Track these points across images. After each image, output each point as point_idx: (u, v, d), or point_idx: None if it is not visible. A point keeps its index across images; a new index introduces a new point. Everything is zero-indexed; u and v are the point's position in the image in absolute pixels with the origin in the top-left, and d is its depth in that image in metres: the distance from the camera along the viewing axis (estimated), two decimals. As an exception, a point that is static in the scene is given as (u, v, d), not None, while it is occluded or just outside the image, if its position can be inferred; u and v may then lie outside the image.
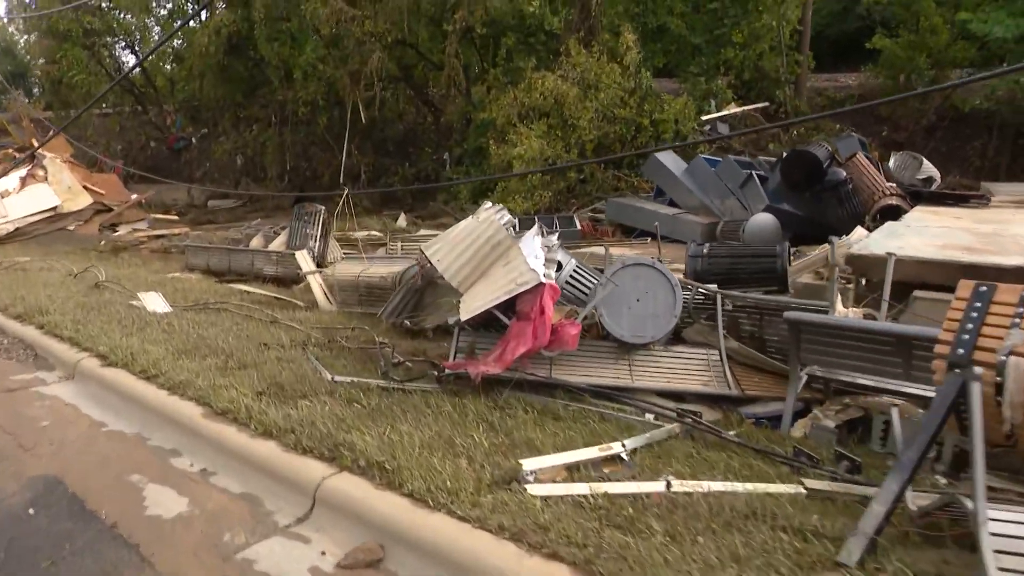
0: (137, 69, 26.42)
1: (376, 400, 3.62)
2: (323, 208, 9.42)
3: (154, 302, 6.46)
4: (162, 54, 24.21)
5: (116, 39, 25.67)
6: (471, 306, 3.80)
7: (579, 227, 11.71)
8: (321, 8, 17.58)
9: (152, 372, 4.24)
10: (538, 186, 15.01)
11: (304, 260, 7.24)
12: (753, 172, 11.07)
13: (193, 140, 23.99)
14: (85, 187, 14.79)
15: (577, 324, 3.79)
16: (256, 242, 9.33)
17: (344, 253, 10.63)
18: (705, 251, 6.97)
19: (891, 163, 11.40)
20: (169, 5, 26.20)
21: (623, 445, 3.06)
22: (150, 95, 25.49)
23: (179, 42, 25.00)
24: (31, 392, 4.57)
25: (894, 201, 9.59)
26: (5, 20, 29.22)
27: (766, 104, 19.17)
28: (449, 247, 4.07)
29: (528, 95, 15.98)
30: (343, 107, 19.99)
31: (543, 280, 3.70)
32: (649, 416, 3.64)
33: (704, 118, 17.73)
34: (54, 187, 14.03)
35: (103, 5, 25.03)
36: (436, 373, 3.90)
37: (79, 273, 8.94)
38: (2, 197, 13.30)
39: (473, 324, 4.06)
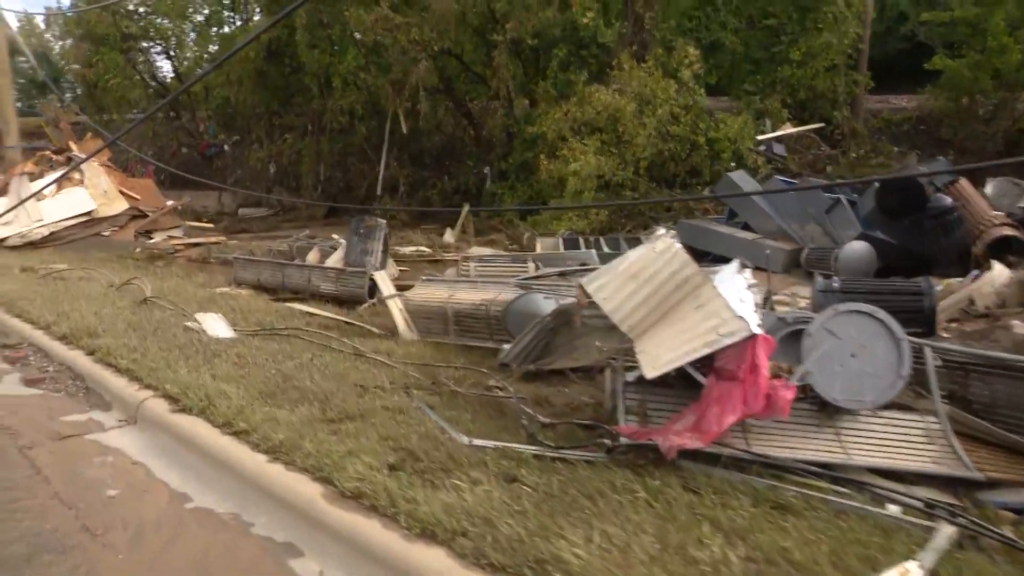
0: (172, 74, 26.09)
1: (543, 479, 2.82)
2: (384, 222, 8.69)
3: (215, 325, 5.72)
4: (198, 60, 23.81)
5: (152, 44, 25.32)
6: (659, 360, 3.01)
7: (648, 250, 10.88)
8: (365, 15, 17.02)
9: (239, 425, 3.46)
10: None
11: (384, 282, 6.49)
12: (842, 197, 10.24)
13: (225, 147, 23.49)
14: (121, 192, 14.20)
15: (792, 386, 2.99)
16: (312, 257, 8.61)
17: (400, 270, 9.92)
18: (836, 285, 6.15)
19: (987, 189, 10.55)
20: (206, 11, 25.88)
21: (920, 568, 2.25)
22: (184, 100, 25.04)
23: (215, 47, 24.63)
24: (87, 441, 3.80)
25: (1008, 231, 8.75)
26: (43, 26, 29.02)
27: (822, 125, 18.45)
28: (618, 283, 3.29)
29: (580, 109, 15.30)
30: (381, 117, 19.41)
31: (755, 331, 2.91)
32: (893, 508, 2.83)
33: (759, 138, 17.04)
34: (90, 191, 13.44)
35: (140, 10, 24.74)
36: (608, 441, 3.10)
37: (122, 285, 8.24)
38: (37, 200, 12.71)
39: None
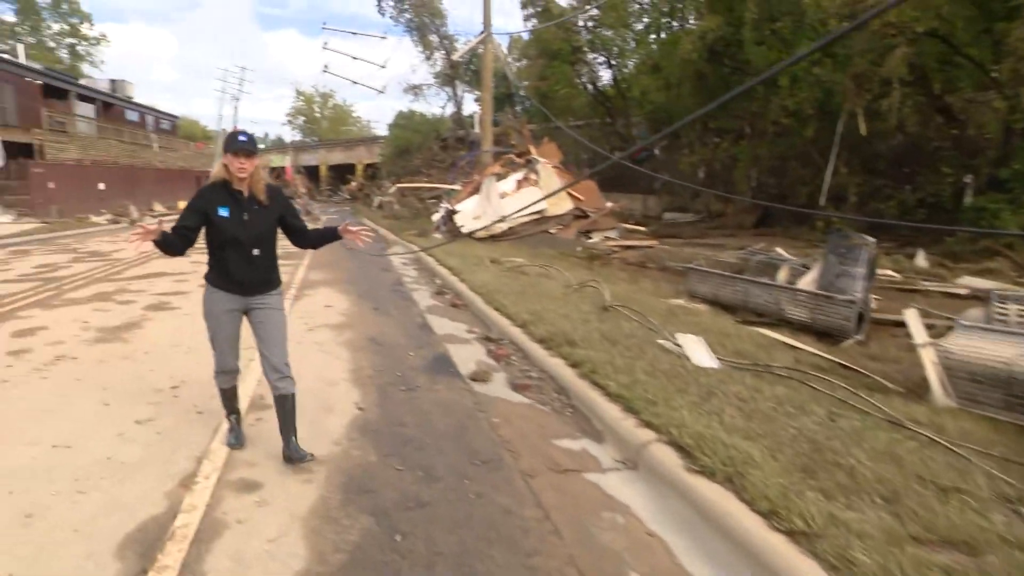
0: (610, 82, 27.56)
1: None
2: (873, 242, 7.05)
3: (696, 351, 4.98)
4: (640, 66, 24.59)
5: (596, 55, 27.06)
6: None
7: None
8: (830, 0, 15.02)
9: (794, 522, 2.50)
10: None
11: (915, 324, 5.00)
12: None
13: (656, 151, 23.80)
14: (568, 193, 15.01)
15: None
16: (781, 275, 7.45)
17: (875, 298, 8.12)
18: None
19: None
20: (645, 20, 26.55)
21: None
22: (618, 106, 26.22)
23: (652, 48, 25.13)
24: (588, 483, 3.28)
25: None
26: (506, 50, 33.57)
27: None
28: None
29: None
30: (831, 117, 17.17)
31: None
32: None
33: None
34: (543, 191, 14.47)
35: (588, 24, 26.59)
36: None
37: (579, 287, 8.27)
38: (502, 198, 14.11)
39: None
